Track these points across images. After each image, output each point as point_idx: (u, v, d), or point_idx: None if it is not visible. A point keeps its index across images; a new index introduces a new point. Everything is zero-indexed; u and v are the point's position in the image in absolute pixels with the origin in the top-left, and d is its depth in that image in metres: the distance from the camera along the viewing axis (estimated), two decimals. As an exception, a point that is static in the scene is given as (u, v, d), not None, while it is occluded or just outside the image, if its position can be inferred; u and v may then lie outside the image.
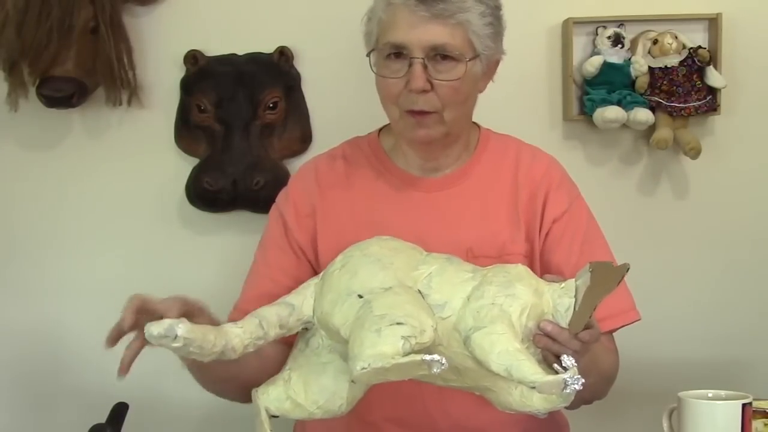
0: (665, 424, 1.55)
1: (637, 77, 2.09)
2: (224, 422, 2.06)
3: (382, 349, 1.20)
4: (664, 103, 2.08)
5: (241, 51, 2.09)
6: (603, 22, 2.09)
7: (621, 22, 2.09)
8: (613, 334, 1.65)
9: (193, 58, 2.08)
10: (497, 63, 1.62)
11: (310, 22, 2.10)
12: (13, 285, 2.15)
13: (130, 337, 1.35)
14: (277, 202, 1.72)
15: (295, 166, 1.98)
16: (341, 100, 2.08)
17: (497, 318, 1.26)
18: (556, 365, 1.25)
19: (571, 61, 2.10)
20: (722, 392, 1.51)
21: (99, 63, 2.03)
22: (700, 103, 2.09)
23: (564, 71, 2.12)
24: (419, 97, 1.54)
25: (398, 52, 1.53)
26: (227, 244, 2.12)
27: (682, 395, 1.50)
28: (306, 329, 1.39)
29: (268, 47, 2.09)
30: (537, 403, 1.31)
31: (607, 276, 1.26)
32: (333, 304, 1.32)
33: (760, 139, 2.16)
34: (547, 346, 1.30)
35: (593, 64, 2.07)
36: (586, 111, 2.08)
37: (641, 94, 2.09)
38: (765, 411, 1.54)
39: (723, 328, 2.17)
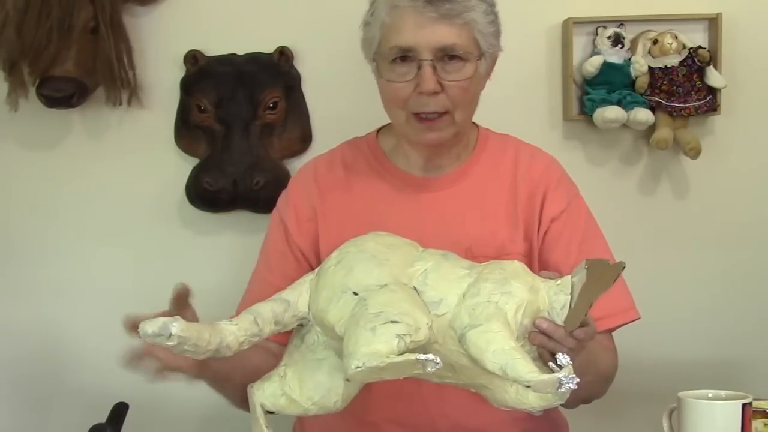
0: (665, 424, 1.55)
1: (637, 77, 2.09)
2: (224, 422, 2.06)
3: (377, 347, 1.20)
4: (664, 103, 2.08)
5: (241, 51, 2.09)
6: (603, 22, 2.09)
7: (621, 22, 2.09)
8: (613, 333, 1.65)
9: (193, 58, 2.08)
10: (496, 59, 1.62)
11: (310, 22, 2.10)
12: (13, 285, 2.15)
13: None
14: (278, 207, 1.72)
15: (295, 166, 1.98)
16: (341, 100, 2.08)
17: (493, 316, 1.26)
18: (551, 363, 1.25)
19: (571, 61, 2.10)
20: (722, 392, 1.51)
21: (99, 63, 2.03)
22: (700, 103, 2.09)
23: (564, 71, 2.12)
24: (430, 100, 1.53)
25: (405, 56, 1.53)
26: (227, 244, 2.12)
27: (682, 395, 1.50)
28: (301, 325, 1.39)
29: (268, 47, 2.09)
30: (532, 401, 1.31)
31: (603, 273, 1.25)
32: (328, 300, 1.32)
33: (760, 139, 2.16)
34: (542, 344, 1.30)
35: (593, 64, 2.07)
36: (586, 111, 2.08)
37: (641, 94, 2.09)
38: (765, 411, 1.54)
39: (723, 328, 2.17)
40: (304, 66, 2.11)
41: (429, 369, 1.18)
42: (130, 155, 2.13)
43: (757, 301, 2.17)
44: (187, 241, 2.14)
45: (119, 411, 1.65)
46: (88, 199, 2.14)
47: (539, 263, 1.62)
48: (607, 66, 2.07)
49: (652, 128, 2.09)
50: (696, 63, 2.08)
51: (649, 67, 2.09)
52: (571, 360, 1.24)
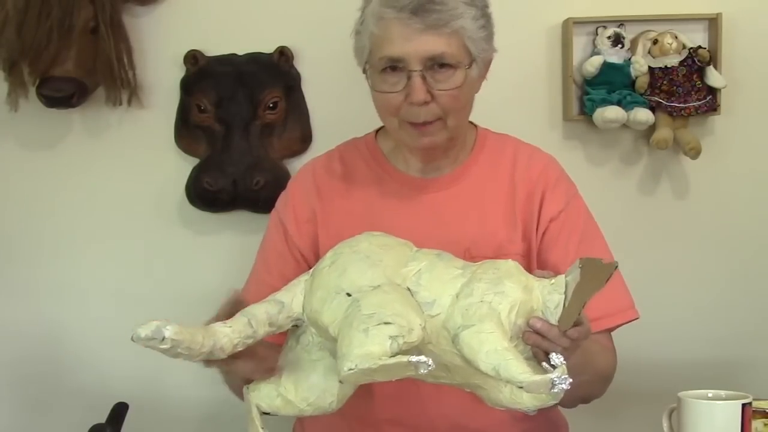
0: (665, 424, 1.55)
1: (637, 77, 2.09)
2: (224, 422, 2.06)
3: (369, 348, 1.20)
4: (664, 103, 2.08)
5: (241, 51, 2.09)
6: (603, 22, 2.09)
7: (621, 22, 2.09)
8: (612, 332, 1.65)
9: (193, 58, 2.08)
10: (490, 61, 1.62)
11: (310, 22, 2.10)
12: (13, 285, 2.15)
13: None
14: (277, 208, 1.72)
15: (295, 166, 1.98)
16: (341, 100, 2.08)
17: (486, 316, 1.26)
18: (544, 364, 1.25)
19: (571, 61, 2.10)
20: (722, 392, 1.51)
21: (99, 63, 2.03)
22: (700, 103, 2.09)
23: (564, 71, 2.12)
24: (421, 109, 1.53)
25: (394, 66, 1.53)
26: (227, 244, 2.12)
27: (682, 395, 1.49)
28: (296, 326, 1.39)
29: (268, 47, 2.09)
30: (527, 401, 1.31)
31: (597, 273, 1.25)
32: (322, 302, 1.32)
33: (760, 139, 2.16)
34: (536, 343, 1.30)
35: (593, 64, 2.07)
36: (586, 111, 2.08)
37: (641, 94, 2.09)
38: (765, 411, 1.54)
39: (723, 328, 2.17)
40: (304, 66, 2.11)
41: (421, 371, 1.19)
42: (130, 155, 2.13)
43: (757, 301, 2.17)
44: (187, 241, 2.14)
45: (119, 411, 1.65)
46: (88, 199, 2.14)
47: (538, 263, 1.62)
48: (607, 66, 2.07)
49: (652, 128, 2.09)
50: (696, 63, 2.08)
51: (649, 67, 2.09)
52: (565, 359, 1.24)
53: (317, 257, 1.62)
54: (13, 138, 2.13)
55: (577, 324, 1.30)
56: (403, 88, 1.52)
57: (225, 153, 2.06)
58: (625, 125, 2.08)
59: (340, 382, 1.33)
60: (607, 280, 1.25)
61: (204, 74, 2.08)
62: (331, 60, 2.07)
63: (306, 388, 1.37)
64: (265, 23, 2.11)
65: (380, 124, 1.69)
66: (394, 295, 1.29)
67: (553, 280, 1.31)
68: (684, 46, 2.08)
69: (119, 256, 2.14)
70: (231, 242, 2.12)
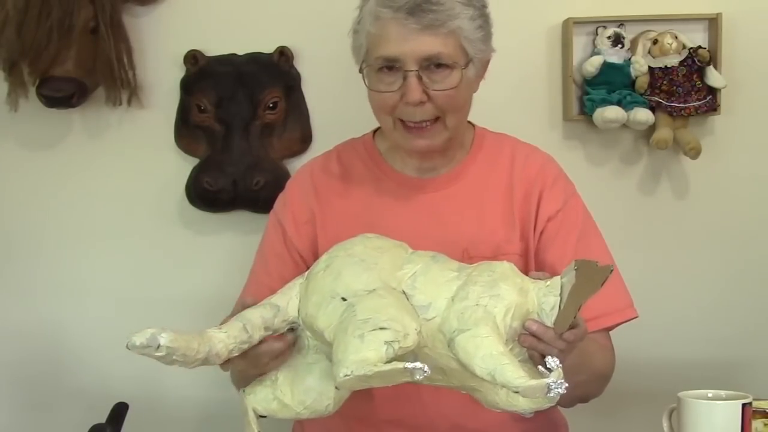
0: (665, 424, 1.55)
1: (637, 77, 2.09)
2: (224, 422, 2.06)
3: (365, 354, 1.20)
4: (664, 103, 2.08)
5: (241, 51, 2.09)
6: (603, 22, 2.09)
7: (621, 22, 2.09)
8: (611, 332, 1.64)
9: (193, 58, 2.08)
10: (488, 62, 1.62)
11: (310, 22, 2.10)
12: (13, 285, 2.15)
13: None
14: (275, 209, 1.72)
15: (295, 166, 1.98)
16: (341, 100, 2.08)
17: (481, 320, 1.26)
18: (540, 367, 1.24)
19: (571, 61, 2.10)
20: (722, 392, 1.51)
21: (99, 63, 2.03)
22: (700, 103, 2.09)
23: (564, 71, 2.12)
24: (416, 109, 1.53)
25: (391, 65, 1.53)
26: (227, 244, 2.12)
27: (682, 395, 1.49)
28: (292, 329, 1.39)
29: (268, 47, 2.09)
30: (523, 404, 1.31)
31: (593, 275, 1.25)
32: (317, 306, 1.32)
33: (760, 139, 2.16)
34: (532, 346, 1.29)
35: (593, 64, 2.07)
36: (586, 111, 2.08)
37: (641, 94, 2.09)
38: (765, 411, 1.53)
39: (723, 328, 2.17)
40: (304, 66, 2.11)
41: (417, 377, 1.18)
42: (130, 155, 2.13)
43: (757, 301, 2.17)
44: (187, 241, 2.14)
45: (119, 411, 1.65)
46: (88, 199, 2.14)
47: (536, 263, 1.62)
48: (607, 66, 2.07)
49: (652, 128, 2.09)
50: (696, 63, 2.08)
51: (649, 67, 2.09)
52: (561, 362, 1.23)
53: (316, 258, 1.61)
54: (13, 138, 2.14)
55: (572, 326, 1.30)
56: (398, 87, 1.52)
57: (225, 153, 2.06)
58: (625, 125, 2.08)
59: (337, 388, 1.33)
60: (603, 283, 1.25)
61: (204, 74, 2.08)
62: (331, 60, 2.07)
63: (302, 391, 1.37)
64: (265, 23, 2.11)
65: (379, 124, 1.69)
66: (390, 299, 1.29)
67: (548, 282, 1.31)
68: (684, 46, 2.08)
69: (119, 256, 2.14)
70: (231, 242, 2.12)
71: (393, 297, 1.29)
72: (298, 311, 1.36)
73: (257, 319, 1.34)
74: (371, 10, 1.53)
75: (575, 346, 1.33)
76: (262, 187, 2.03)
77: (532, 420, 1.62)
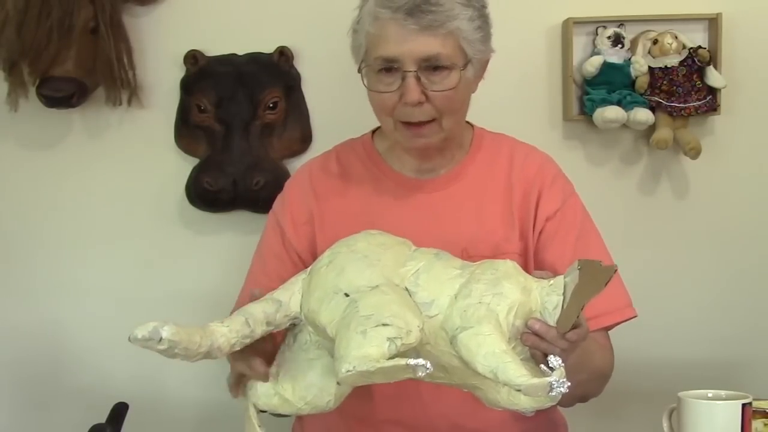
0: (665, 424, 1.55)
1: (637, 77, 2.09)
2: (223, 422, 2.06)
3: (367, 350, 1.20)
4: (664, 103, 2.08)
5: (241, 51, 2.09)
6: (603, 22, 2.09)
7: (621, 22, 2.09)
8: (610, 331, 1.64)
9: (193, 58, 2.08)
10: (487, 62, 1.62)
11: (310, 22, 2.10)
12: (13, 285, 2.15)
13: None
14: (274, 210, 1.72)
15: (295, 166, 1.98)
16: (341, 100, 2.08)
17: (484, 318, 1.26)
18: (543, 366, 1.24)
19: (571, 61, 2.10)
20: (722, 392, 1.51)
21: (99, 63, 2.03)
22: (700, 103, 2.09)
23: (564, 71, 2.12)
24: (415, 110, 1.53)
25: (390, 66, 1.53)
26: (227, 244, 2.12)
27: (682, 395, 1.49)
28: (294, 324, 1.39)
29: (268, 47, 2.09)
30: (524, 402, 1.30)
31: (596, 275, 1.25)
32: (320, 302, 1.32)
33: (760, 139, 2.16)
34: (534, 345, 1.29)
35: (593, 64, 2.07)
36: (586, 111, 2.08)
37: (641, 94, 2.09)
38: (765, 411, 1.53)
39: (723, 328, 2.17)
40: (304, 66, 2.11)
41: (419, 374, 1.18)
42: (130, 155, 2.13)
43: (757, 302, 2.17)
44: (187, 241, 2.14)
45: (119, 411, 1.65)
46: (88, 199, 2.14)
47: (535, 262, 1.62)
48: (607, 66, 2.07)
49: (652, 128, 2.09)
50: (696, 63, 2.08)
51: (649, 67, 2.09)
52: (563, 361, 1.23)
53: (315, 259, 1.61)
54: (13, 138, 2.14)
55: (575, 326, 1.30)
56: (397, 88, 1.53)
57: (225, 153, 2.06)
58: (625, 125, 2.08)
59: (338, 383, 1.33)
60: (606, 283, 1.25)
61: (204, 74, 2.08)
62: (331, 60, 2.07)
63: (303, 386, 1.37)
64: (265, 23, 2.11)
65: (379, 124, 1.69)
66: (392, 295, 1.29)
67: (551, 282, 1.31)
68: (684, 46, 2.08)
69: (119, 256, 2.14)
70: (231, 242, 2.12)
71: (396, 294, 1.29)
72: (300, 306, 1.36)
73: (259, 314, 1.34)
74: (370, 10, 1.53)
75: (578, 346, 1.33)
76: (262, 187, 2.03)
77: (531, 420, 1.62)
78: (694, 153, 2.07)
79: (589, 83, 2.09)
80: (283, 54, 2.09)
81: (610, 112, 2.04)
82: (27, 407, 2.16)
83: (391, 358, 1.20)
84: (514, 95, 2.10)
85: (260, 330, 1.34)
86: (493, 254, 1.54)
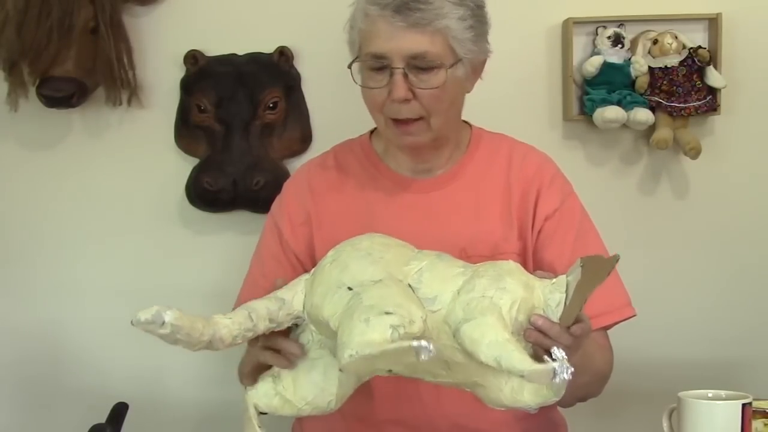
0: (665, 424, 1.55)
1: (637, 77, 2.09)
2: (223, 422, 2.06)
3: (370, 336, 1.19)
4: (664, 103, 2.08)
5: (241, 51, 2.09)
6: (603, 22, 2.09)
7: (621, 22, 2.09)
8: (609, 331, 1.65)
9: (193, 58, 2.08)
10: (484, 62, 1.62)
11: (310, 22, 2.10)
12: (13, 285, 2.15)
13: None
14: (272, 212, 1.72)
15: (295, 166, 1.98)
16: (341, 100, 2.07)
17: (487, 310, 1.26)
18: (546, 357, 1.24)
19: (571, 61, 2.10)
20: (722, 392, 1.51)
21: (99, 63, 2.03)
22: (700, 103, 2.09)
23: (564, 71, 2.12)
24: (402, 107, 1.54)
25: (379, 62, 1.53)
26: (227, 244, 2.12)
27: (682, 395, 1.49)
28: (296, 325, 1.39)
29: (268, 47, 2.09)
30: (528, 398, 1.31)
31: (598, 268, 1.25)
32: (323, 296, 1.32)
33: (760, 139, 2.16)
34: (537, 341, 1.29)
35: (593, 64, 2.07)
36: (586, 111, 2.08)
37: (641, 94, 2.09)
38: (765, 411, 1.53)
39: (723, 328, 2.17)
40: (304, 66, 2.11)
41: (423, 357, 1.17)
42: (130, 155, 2.13)
43: (757, 302, 2.17)
44: (187, 241, 2.14)
45: (119, 411, 1.65)
46: (88, 199, 2.14)
47: (534, 262, 1.62)
48: (607, 66, 2.07)
49: (652, 128, 2.09)
50: (696, 63, 2.08)
51: (649, 67, 2.09)
52: (565, 356, 1.23)
53: (313, 260, 1.62)
54: (13, 138, 2.14)
55: (577, 321, 1.30)
56: (386, 84, 1.53)
57: (225, 153, 2.06)
58: (625, 125, 2.08)
59: (340, 370, 1.32)
60: (609, 273, 1.25)
61: (204, 74, 2.08)
62: (331, 60, 2.06)
63: (305, 386, 1.37)
64: (265, 23, 2.11)
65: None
66: (396, 288, 1.29)
67: (554, 280, 1.31)
68: (684, 46, 2.08)
69: (119, 256, 2.14)
70: (231, 242, 2.12)
71: (399, 287, 1.30)
72: (303, 305, 1.37)
73: (262, 310, 1.35)
74: (361, 6, 1.55)
75: (581, 343, 1.33)
76: (262, 187, 2.03)
77: (531, 420, 1.63)
78: (694, 153, 2.07)
79: (589, 83, 2.09)
80: (283, 54, 2.09)
81: (610, 112, 2.04)
82: (27, 407, 2.16)
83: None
84: (514, 95, 2.10)
85: (263, 325, 1.34)
86: (492, 254, 1.54)
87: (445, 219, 1.62)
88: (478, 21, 1.57)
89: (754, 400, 1.50)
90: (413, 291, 1.32)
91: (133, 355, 2.10)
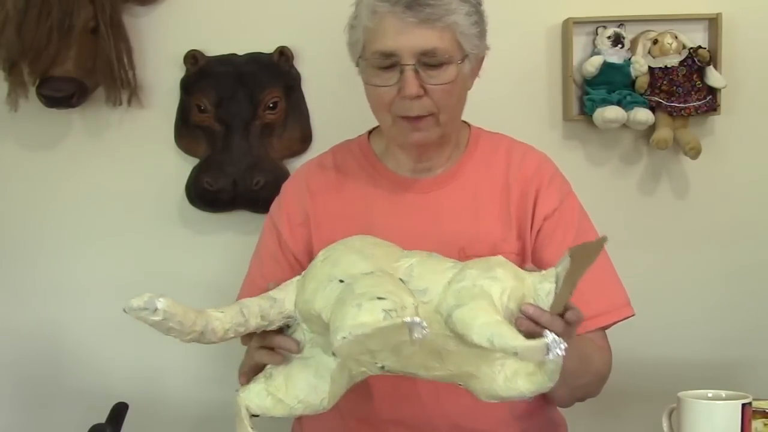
0: (665, 424, 1.55)
1: (637, 77, 2.09)
2: (223, 422, 2.06)
3: (363, 319, 1.19)
4: (664, 103, 2.08)
5: (241, 51, 2.09)
6: (603, 22, 2.09)
7: (621, 22, 2.09)
8: (608, 331, 1.64)
9: (193, 58, 2.08)
10: (482, 59, 1.62)
11: (310, 22, 2.10)
12: (13, 285, 2.15)
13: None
14: (271, 213, 1.72)
15: (295, 166, 1.98)
16: (341, 100, 2.08)
17: (478, 296, 1.26)
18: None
19: (571, 61, 2.10)
20: (722, 392, 1.51)
21: (99, 63, 2.03)
22: (700, 103, 2.09)
23: (564, 71, 2.12)
24: (413, 103, 1.53)
25: (388, 60, 1.52)
26: (227, 244, 2.12)
27: (682, 395, 1.49)
28: (288, 326, 1.40)
29: (268, 47, 2.09)
30: (522, 386, 1.30)
31: (587, 254, 1.25)
32: (314, 291, 1.33)
33: (760, 139, 2.16)
34: (529, 330, 1.29)
35: (593, 64, 2.07)
36: (586, 111, 2.08)
37: (641, 94, 2.09)
38: (765, 411, 1.53)
39: (723, 328, 2.17)
40: (304, 66, 2.11)
41: (416, 335, 1.17)
42: (130, 155, 2.13)
43: (757, 302, 2.17)
44: (187, 241, 2.14)
45: (119, 411, 1.65)
46: (88, 199, 2.14)
47: (533, 261, 1.62)
48: (607, 66, 2.07)
49: (652, 128, 2.09)
50: (696, 63, 2.08)
51: (649, 67, 2.09)
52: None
53: (311, 260, 1.62)
54: (13, 138, 2.14)
55: (567, 310, 1.30)
56: (396, 82, 1.53)
57: (225, 153, 2.06)
58: (625, 125, 2.08)
59: (333, 354, 1.32)
60: (597, 255, 1.25)
61: (204, 74, 2.08)
62: (331, 60, 2.06)
63: (297, 385, 1.37)
64: (265, 23, 2.11)
65: (377, 123, 1.69)
66: (387, 278, 1.29)
67: (543, 272, 1.32)
68: (684, 46, 2.08)
69: (119, 256, 2.14)
70: (231, 242, 2.12)
71: (390, 278, 1.30)
72: (295, 304, 1.37)
73: (254, 307, 1.36)
74: (368, 4, 1.53)
75: (573, 331, 1.33)
76: (262, 187, 2.03)
77: (531, 420, 1.63)
78: (694, 153, 2.07)
79: (589, 83, 2.09)
80: (283, 54, 2.09)
81: (610, 112, 2.04)
82: (27, 407, 2.16)
83: None
84: (514, 95, 2.10)
85: (254, 322, 1.35)
86: (491, 253, 1.53)
87: (443, 219, 1.62)
88: (481, 18, 1.58)
89: (754, 400, 1.50)
90: (404, 284, 1.32)
91: (133, 355, 2.10)
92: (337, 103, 2.09)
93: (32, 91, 2.03)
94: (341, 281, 1.30)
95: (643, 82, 2.09)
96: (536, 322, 1.28)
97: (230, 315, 1.33)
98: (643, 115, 2.06)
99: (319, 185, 1.68)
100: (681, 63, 2.08)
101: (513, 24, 2.04)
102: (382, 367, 1.33)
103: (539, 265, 1.58)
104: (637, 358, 2.06)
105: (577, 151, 2.14)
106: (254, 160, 2.06)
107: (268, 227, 1.71)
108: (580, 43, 2.11)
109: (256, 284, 1.63)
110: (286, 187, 1.74)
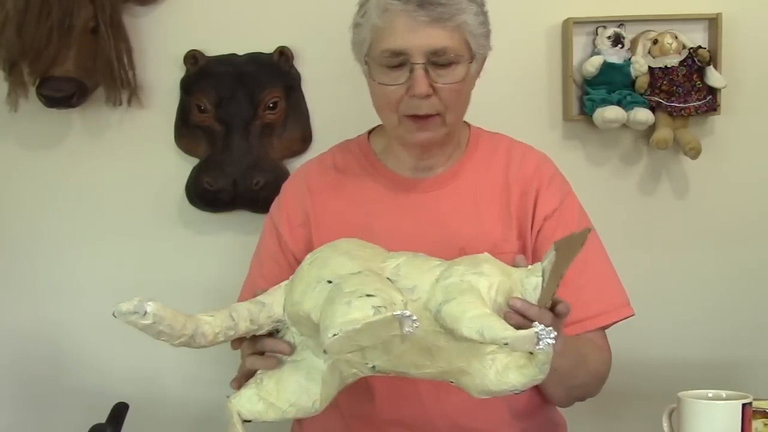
0: (665, 424, 1.55)
1: (637, 77, 2.09)
2: (223, 422, 2.06)
3: (353, 316, 1.20)
4: (664, 103, 2.08)
5: (241, 51, 2.09)
6: (603, 22, 2.09)
7: (621, 22, 2.09)
8: (608, 331, 1.64)
9: (193, 58, 2.08)
10: (485, 59, 1.62)
11: (310, 22, 2.10)
12: (13, 285, 2.15)
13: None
14: (271, 213, 1.72)
15: (295, 166, 1.98)
16: (341, 100, 2.08)
17: (467, 291, 1.27)
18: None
19: (571, 61, 2.10)
20: (722, 392, 1.51)
21: (99, 63, 2.03)
22: (700, 103, 2.09)
23: (564, 71, 2.12)
24: (422, 102, 1.53)
25: (397, 59, 1.52)
26: (227, 244, 2.12)
27: (682, 395, 1.49)
28: (277, 330, 1.40)
29: (268, 47, 2.09)
30: (513, 379, 1.30)
31: (571, 247, 1.26)
32: (303, 293, 1.33)
33: (760, 139, 2.16)
34: (518, 324, 1.29)
35: (593, 64, 2.07)
36: (586, 111, 2.08)
37: (641, 94, 2.09)
38: (765, 411, 1.53)
39: (723, 328, 2.17)
40: (304, 66, 2.11)
41: (406, 329, 1.18)
42: (130, 155, 2.13)
43: (758, 302, 2.17)
44: (187, 241, 2.14)
45: (119, 411, 1.65)
46: (88, 199, 2.14)
47: (533, 261, 1.61)
48: (607, 66, 2.07)
49: (652, 128, 2.09)
50: (696, 63, 2.08)
51: (649, 67, 2.09)
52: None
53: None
54: (13, 138, 2.14)
55: (555, 303, 1.31)
56: (404, 81, 1.52)
57: (225, 153, 2.06)
58: (625, 125, 2.08)
59: (325, 352, 1.32)
60: (582, 245, 1.25)
61: (204, 74, 2.08)
62: (331, 60, 2.07)
63: (288, 389, 1.37)
64: (265, 23, 2.11)
65: (380, 122, 1.69)
66: (375, 277, 1.30)
67: (530, 267, 1.32)
68: (684, 46, 2.08)
69: (119, 256, 2.14)
70: (231, 242, 2.12)
71: (378, 277, 1.31)
72: (283, 307, 1.37)
73: (243, 311, 1.36)
74: (379, 2, 1.53)
75: (561, 324, 1.33)
76: (262, 187, 2.03)
77: (531, 420, 1.63)
78: (694, 153, 2.07)
79: (589, 83, 2.09)
80: (283, 54, 2.09)
81: (610, 112, 2.04)
82: (27, 407, 2.16)
83: None
84: (514, 95, 2.10)
85: (243, 326, 1.35)
86: (491, 253, 1.54)
87: (444, 218, 1.62)
88: (486, 18, 1.58)
89: (754, 400, 1.50)
90: (392, 283, 1.32)
91: (133, 355, 2.10)
92: (337, 103, 2.09)
93: (32, 91, 2.03)
94: (329, 282, 1.30)
95: (643, 82, 2.09)
96: (524, 316, 1.28)
97: (220, 319, 1.33)
98: (643, 115, 2.06)
99: (319, 185, 1.68)
100: (681, 63, 2.08)
101: (513, 24, 2.04)
102: (373, 367, 1.33)
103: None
104: (637, 358, 2.06)
105: (577, 151, 2.14)
106: (254, 160, 2.06)
107: (268, 228, 1.70)
108: (580, 43, 2.11)
109: (256, 285, 1.63)
110: (286, 188, 1.74)
